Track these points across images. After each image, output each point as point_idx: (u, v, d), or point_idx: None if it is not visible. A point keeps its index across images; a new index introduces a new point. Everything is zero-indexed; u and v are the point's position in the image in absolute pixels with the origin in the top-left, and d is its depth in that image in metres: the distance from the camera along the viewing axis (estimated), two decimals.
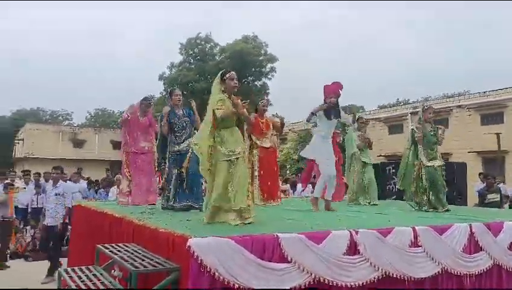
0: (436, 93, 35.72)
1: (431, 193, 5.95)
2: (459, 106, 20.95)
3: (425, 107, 6.30)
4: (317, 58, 77.80)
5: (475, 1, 73.91)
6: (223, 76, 4.27)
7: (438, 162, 6.06)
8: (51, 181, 12.21)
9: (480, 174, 11.92)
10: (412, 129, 6.26)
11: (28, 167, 18.66)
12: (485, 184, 10.01)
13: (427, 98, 31.45)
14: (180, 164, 5.55)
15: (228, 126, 4.22)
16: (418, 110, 22.74)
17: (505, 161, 18.95)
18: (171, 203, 5.46)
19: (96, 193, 11.46)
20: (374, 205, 7.04)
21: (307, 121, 5.94)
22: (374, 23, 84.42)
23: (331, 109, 5.69)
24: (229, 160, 4.09)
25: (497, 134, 17.67)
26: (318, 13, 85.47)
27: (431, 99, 27.76)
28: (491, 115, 20.22)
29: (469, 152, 17.32)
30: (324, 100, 5.69)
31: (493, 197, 8.91)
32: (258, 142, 6.90)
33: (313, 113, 5.68)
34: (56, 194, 7.43)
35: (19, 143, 33.21)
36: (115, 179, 10.63)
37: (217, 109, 4.11)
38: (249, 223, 3.96)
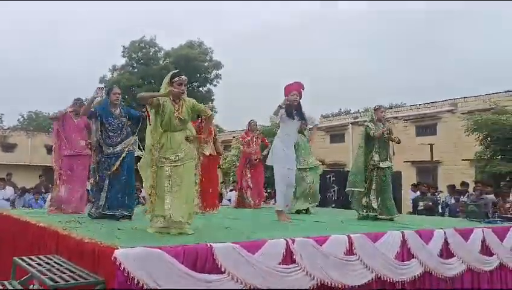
0: (374, 104, 37.16)
1: (380, 197, 5.72)
2: (396, 117, 21.89)
3: (377, 107, 6.11)
4: (260, 67, 78.27)
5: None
6: (172, 78, 4.07)
7: (389, 164, 5.85)
8: None
9: (412, 184, 12.43)
10: (367, 126, 5.91)
11: None
12: (418, 192, 10.47)
13: (367, 109, 32.65)
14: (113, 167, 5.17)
15: (167, 130, 4.01)
16: (358, 120, 23.60)
17: (437, 171, 20.03)
18: (100, 210, 5.09)
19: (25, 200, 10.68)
20: (310, 213, 6.94)
21: (274, 114, 5.30)
22: (316, 33, 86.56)
23: (293, 108, 5.30)
24: (162, 167, 3.92)
25: (431, 145, 18.60)
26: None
27: (370, 110, 28.86)
28: (425, 126, 21.31)
29: (404, 162, 18.09)
30: (287, 97, 5.30)
31: (425, 204, 9.31)
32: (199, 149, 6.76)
33: (280, 106, 5.25)
34: None
35: None
36: (51, 186, 9.95)
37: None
38: (190, 234, 3.79)
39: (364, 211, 5.80)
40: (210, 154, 6.85)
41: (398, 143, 5.92)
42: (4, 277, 3.83)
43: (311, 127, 6.40)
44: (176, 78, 4.06)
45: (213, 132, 6.98)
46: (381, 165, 5.76)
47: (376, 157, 5.76)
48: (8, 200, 10.74)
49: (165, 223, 3.86)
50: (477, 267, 4.79)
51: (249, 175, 7.96)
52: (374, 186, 5.74)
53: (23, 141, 30.54)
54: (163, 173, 3.91)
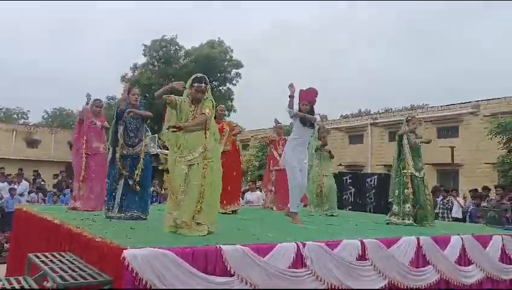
0: (396, 105, 36.69)
1: (414, 205, 5.73)
2: None
3: (409, 118, 6.10)
4: (281, 66, 78.08)
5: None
6: (193, 82, 4.09)
7: (422, 174, 5.96)
8: None
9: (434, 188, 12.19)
10: (400, 135, 6.00)
11: None
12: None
13: (387, 110, 32.22)
14: (130, 169, 5.12)
15: (187, 130, 3.97)
16: (378, 121, 23.24)
17: (459, 174, 19.60)
18: (116, 212, 5.01)
19: (45, 196, 10.86)
20: (332, 215, 6.98)
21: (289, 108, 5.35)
22: (340, 32, 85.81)
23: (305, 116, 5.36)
24: (178, 166, 3.92)
25: (451, 147, 18.21)
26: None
27: (391, 111, 28.44)
28: (447, 128, 20.89)
29: (426, 164, 17.77)
30: (299, 106, 5.38)
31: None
32: None
33: (298, 114, 5.30)
34: None
35: None
36: (71, 182, 10.04)
37: None
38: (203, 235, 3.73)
39: (399, 218, 5.77)
40: (225, 149, 6.76)
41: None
42: (22, 273, 3.89)
43: None
44: (196, 84, 4.07)
45: (225, 129, 6.88)
46: (417, 174, 5.86)
47: (411, 167, 5.82)
48: (22, 195, 10.83)
49: (175, 223, 3.85)
50: (496, 276, 4.66)
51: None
52: (405, 194, 5.75)
53: (47, 137, 31.17)
54: (179, 172, 3.90)
